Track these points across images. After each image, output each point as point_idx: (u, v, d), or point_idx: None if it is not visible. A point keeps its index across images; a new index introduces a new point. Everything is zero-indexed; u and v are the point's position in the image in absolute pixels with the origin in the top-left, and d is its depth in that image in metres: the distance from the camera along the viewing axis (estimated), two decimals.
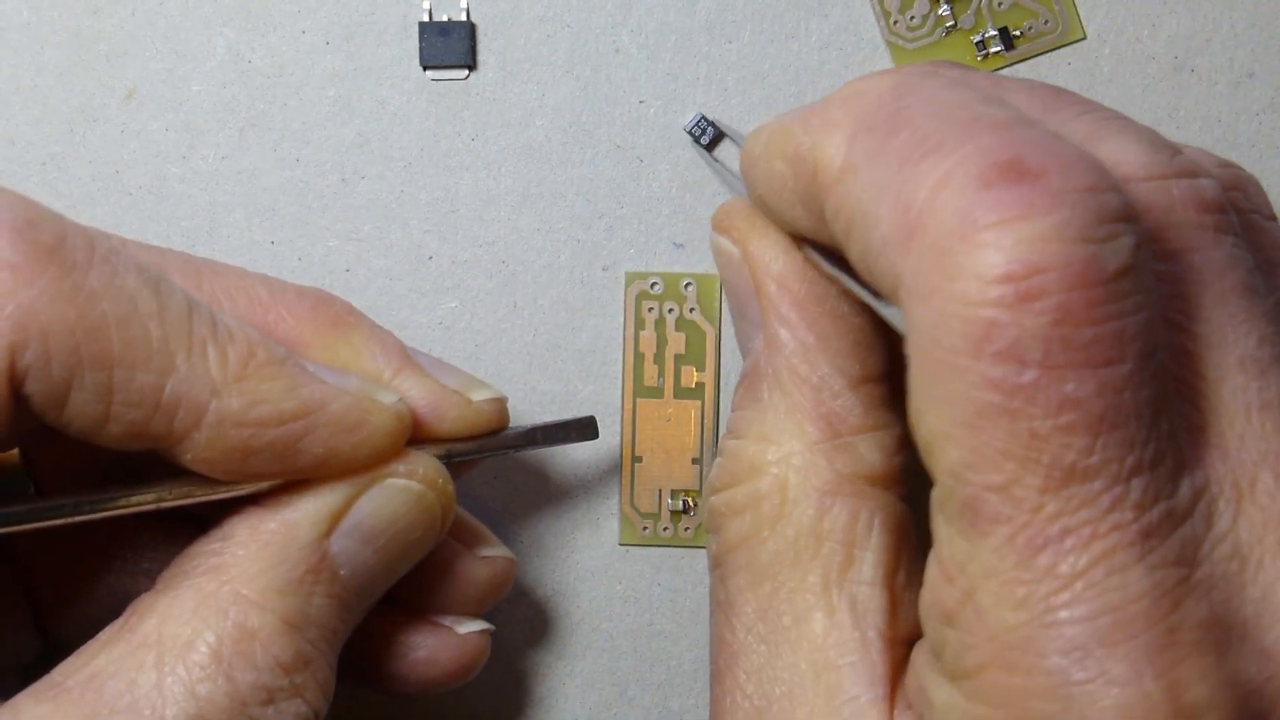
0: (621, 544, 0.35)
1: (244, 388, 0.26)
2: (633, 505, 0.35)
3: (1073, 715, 0.20)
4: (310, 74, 0.34)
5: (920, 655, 0.24)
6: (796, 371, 0.27)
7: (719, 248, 0.30)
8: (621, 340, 0.35)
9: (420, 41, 0.34)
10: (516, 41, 0.34)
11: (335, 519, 0.27)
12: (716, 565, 0.28)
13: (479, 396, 0.30)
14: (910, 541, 0.27)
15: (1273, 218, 0.27)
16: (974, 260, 0.20)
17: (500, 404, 0.31)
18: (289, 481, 0.27)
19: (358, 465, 0.28)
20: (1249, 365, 0.22)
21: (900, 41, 0.34)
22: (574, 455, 0.35)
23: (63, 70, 0.34)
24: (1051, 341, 0.20)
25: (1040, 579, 0.20)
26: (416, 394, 0.29)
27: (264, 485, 0.27)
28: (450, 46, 0.34)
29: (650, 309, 0.34)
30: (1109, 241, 0.20)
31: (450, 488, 0.29)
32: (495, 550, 0.32)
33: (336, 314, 0.30)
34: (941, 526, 0.22)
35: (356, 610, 0.28)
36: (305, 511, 0.27)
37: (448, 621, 0.31)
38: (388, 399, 0.28)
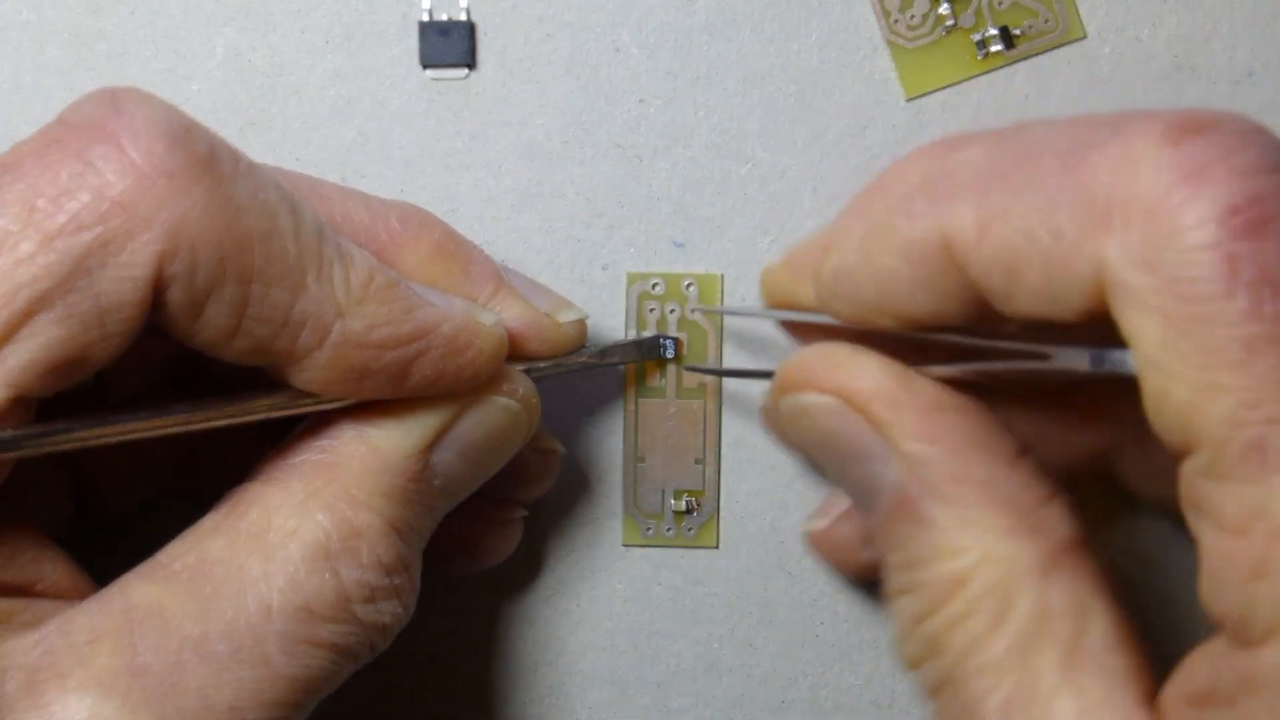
0: (625, 544, 0.35)
1: (365, 310, 0.26)
2: (636, 506, 0.35)
3: None
4: (310, 74, 0.34)
5: (1209, 658, 0.23)
6: (959, 478, 0.26)
7: (805, 408, 0.28)
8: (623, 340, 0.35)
9: (420, 41, 0.34)
10: (516, 41, 0.34)
11: (441, 433, 0.28)
12: (943, 687, 0.26)
13: (565, 318, 0.31)
14: (1120, 601, 0.26)
15: None
16: (1196, 207, 0.22)
17: (582, 325, 0.32)
18: None
19: (461, 385, 0.28)
20: None
21: (900, 41, 0.34)
22: (576, 455, 0.35)
23: (63, 70, 0.34)
24: None
25: None
26: (510, 315, 0.30)
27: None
28: (450, 46, 0.34)
29: (652, 309, 0.34)
30: None
31: (539, 404, 0.30)
32: (544, 443, 0.33)
33: (436, 240, 0.30)
34: (1215, 490, 0.22)
35: (440, 516, 0.29)
36: (414, 424, 0.28)
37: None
38: (489, 320, 0.29)
